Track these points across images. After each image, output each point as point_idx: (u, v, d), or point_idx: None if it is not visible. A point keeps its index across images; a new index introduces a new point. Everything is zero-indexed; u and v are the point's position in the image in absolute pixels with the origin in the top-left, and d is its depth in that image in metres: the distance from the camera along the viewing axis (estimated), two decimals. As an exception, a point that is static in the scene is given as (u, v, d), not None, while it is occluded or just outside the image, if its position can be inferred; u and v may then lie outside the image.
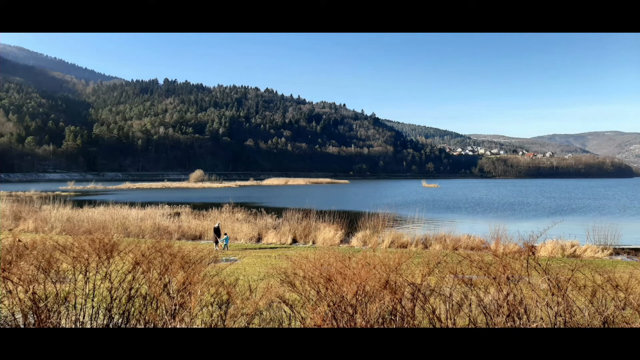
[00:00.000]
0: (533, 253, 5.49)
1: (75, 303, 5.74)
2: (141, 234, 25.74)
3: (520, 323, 4.74)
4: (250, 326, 5.20)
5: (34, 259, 6.04)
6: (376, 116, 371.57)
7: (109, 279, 5.95)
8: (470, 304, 5.22)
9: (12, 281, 5.41)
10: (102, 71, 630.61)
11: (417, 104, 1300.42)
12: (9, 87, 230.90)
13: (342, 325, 4.94)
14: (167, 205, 37.83)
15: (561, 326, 4.66)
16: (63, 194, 67.59)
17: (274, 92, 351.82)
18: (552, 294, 4.84)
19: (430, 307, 5.08)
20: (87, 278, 5.97)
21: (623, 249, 21.59)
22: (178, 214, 33.29)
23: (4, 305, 5.50)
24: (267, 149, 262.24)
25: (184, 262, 6.04)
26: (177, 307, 5.32)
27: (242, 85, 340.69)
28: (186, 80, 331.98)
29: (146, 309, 5.73)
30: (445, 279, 5.56)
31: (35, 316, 5.28)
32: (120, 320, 5.74)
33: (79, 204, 40.98)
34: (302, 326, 5.26)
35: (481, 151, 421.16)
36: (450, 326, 4.96)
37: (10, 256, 5.93)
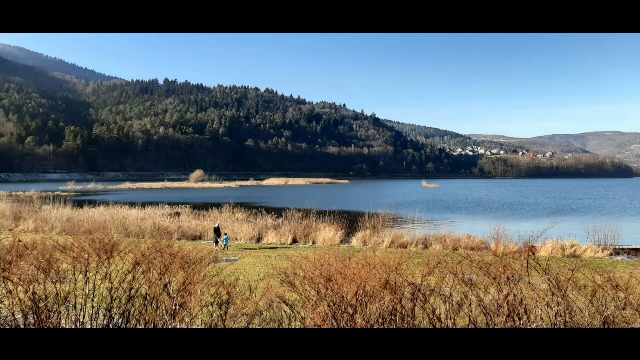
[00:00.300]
0: (533, 253, 5.49)
1: (75, 303, 5.74)
2: (141, 234, 25.74)
3: (520, 323, 4.74)
4: (250, 326, 5.20)
5: (34, 259, 6.03)
6: (376, 116, 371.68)
7: (109, 279, 5.95)
8: (470, 304, 5.22)
9: (12, 281, 5.41)
10: (102, 71, 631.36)
11: (417, 104, 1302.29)
12: (9, 87, 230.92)
13: (342, 325, 4.94)
14: (167, 205, 37.83)
15: (561, 326, 4.66)
16: (63, 194, 67.59)
17: (274, 92, 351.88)
18: (552, 294, 4.84)
19: (430, 307, 5.08)
20: (87, 278, 5.97)
21: (623, 249, 21.59)
22: (178, 214, 33.29)
23: (4, 305, 5.50)
24: (267, 149, 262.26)
25: (184, 262, 6.04)
26: (177, 307, 5.31)
27: (242, 85, 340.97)
28: (186, 80, 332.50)
29: (146, 309, 5.72)
30: (445, 279, 5.55)
31: (35, 316, 5.28)
32: (120, 320, 5.74)
33: (79, 204, 40.98)
34: (302, 326, 5.26)
35: (481, 151, 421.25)
36: (450, 326, 4.96)
37: (10, 256, 5.93)
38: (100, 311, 5.90)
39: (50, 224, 27.66)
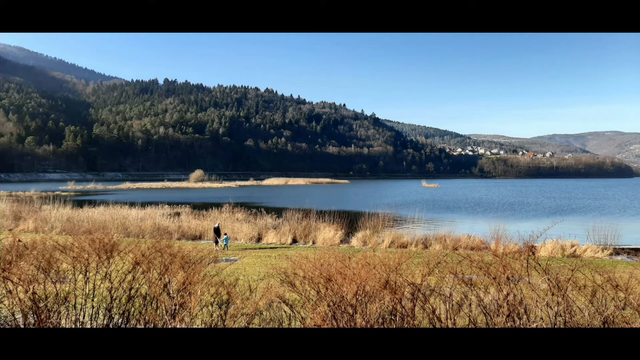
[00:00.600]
0: (533, 253, 5.49)
1: (75, 303, 5.74)
2: (141, 234, 25.74)
3: (520, 323, 4.74)
4: (250, 326, 5.20)
5: (34, 259, 6.03)
6: (376, 116, 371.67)
7: (109, 279, 5.94)
8: (470, 304, 5.22)
9: (12, 281, 5.41)
10: (102, 71, 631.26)
11: (417, 104, 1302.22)
12: (9, 87, 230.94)
13: (342, 325, 4.94)
14: (167, 205, 37.83)
15: (561, 326, 4.65)
16: (63, 194, 67.59)
17: (274, 92, 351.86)
18: (552, 294, 4.84)
19: (430, 307, 5.08)
20: (87, 278, 5.97)
21: (623, 249, 21.59)
22: (178, 214, 33.29)
23: (4, 305, 5.50)
24: (267, 149, 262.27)
25: (184, 262, 6.04)
26: (177, 307, 5.31)
27: (242, 85, 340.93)
28: (186, 80, 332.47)
29: (146, 309, 5.72)
30: (445, 279, 5.55)
31: (35, 316, 5.28)
32: (120, 320, 5.74)
33: (79, 204, 40.98)
34: (302, 326, 5.26)
35: (481, 151, 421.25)
36: (450, 326, 4.96)
37: (10, 256, 5.93)
38: (100, 311, 5.90)
39: (50, 224, 27.66)
